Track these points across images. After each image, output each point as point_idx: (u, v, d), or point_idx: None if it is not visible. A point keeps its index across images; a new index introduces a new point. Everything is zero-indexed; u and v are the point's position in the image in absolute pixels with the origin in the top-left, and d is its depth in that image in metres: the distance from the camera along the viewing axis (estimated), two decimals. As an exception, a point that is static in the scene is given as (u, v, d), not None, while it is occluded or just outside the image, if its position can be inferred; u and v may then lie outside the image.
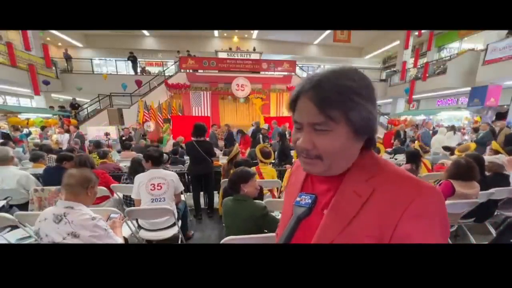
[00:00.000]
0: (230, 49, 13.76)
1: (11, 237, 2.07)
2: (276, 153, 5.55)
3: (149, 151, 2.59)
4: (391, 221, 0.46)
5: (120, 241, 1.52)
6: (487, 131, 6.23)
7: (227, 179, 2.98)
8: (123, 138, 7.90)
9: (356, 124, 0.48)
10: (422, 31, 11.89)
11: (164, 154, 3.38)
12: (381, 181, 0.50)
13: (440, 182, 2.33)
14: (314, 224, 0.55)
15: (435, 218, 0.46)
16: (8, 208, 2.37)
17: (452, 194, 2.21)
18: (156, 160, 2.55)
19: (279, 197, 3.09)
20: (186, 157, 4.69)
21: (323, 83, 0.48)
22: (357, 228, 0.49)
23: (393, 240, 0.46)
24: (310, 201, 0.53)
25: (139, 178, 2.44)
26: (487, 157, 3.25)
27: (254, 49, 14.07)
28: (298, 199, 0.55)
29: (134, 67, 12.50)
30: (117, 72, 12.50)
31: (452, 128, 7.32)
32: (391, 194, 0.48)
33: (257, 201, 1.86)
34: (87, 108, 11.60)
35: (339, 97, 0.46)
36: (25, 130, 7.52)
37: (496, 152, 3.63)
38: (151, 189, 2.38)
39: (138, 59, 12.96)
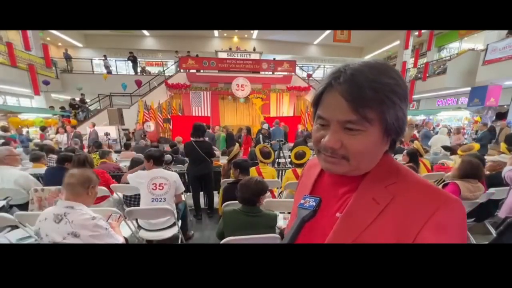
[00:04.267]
0: (230, 49, 13.75)
1: (11, 237, 2.07)
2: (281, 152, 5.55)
3: (150, 151, 2.58)
4: (411, 231, 0.44)
5: (122, 240, 1.52)
6: (485, 131, 6.40)
7: (227, 179, 2.99)
8: (143, 135, 7.87)
9: (391, 125, 0.45)
10: (422, 31, 11.88)
11: (168, 155, 3.40)
12: (402, 188, 0.47)
13: (446, 183, 2.33)
14: (324, 226, 0.53)
15: (456, 231, 0.44)
16: (8, 208, 2.37)
17: (458, 197, 2.21)
18: (157, 160, 2.55)
19: (279, 197, 3.09)
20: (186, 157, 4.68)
21: (357, 78, 0.43)
22: (372, 236, 0.47)
23: None
24: (314, 203, 0.52)
25: (140, 175, 2.45)
26: (490, 157, 3.26)
27: (254, 49, 14.06)
28: (302, 201, 0.54)
29: (134, 67, 12.51)
30: (117, 72, 12.50)
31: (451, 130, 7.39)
32: (411, 203, 0.45)
33: (268, 212, 1.80)
34: (81, 111, 11.57)
35: (376, 96, 0.42)
36: (24, 131, 7.54)
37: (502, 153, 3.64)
38: (152, 189, 2.38)
39: (138, 59, 12.97)
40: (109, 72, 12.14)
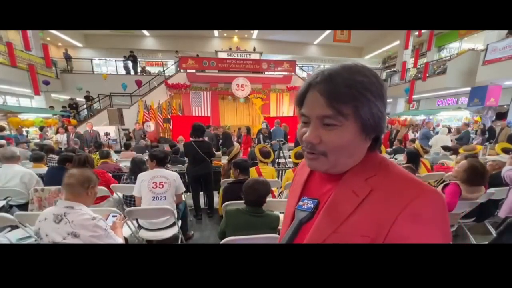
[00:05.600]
0: (230, 49, 13.75)
1: (11, 237, 2.07)
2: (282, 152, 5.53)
3: (155, 151, 2.64)
4: (386, 222, 0.44)
5: (121, 241, 1.52)
6: (466, 131, 6.89)
7: (227, 179, 2.99)
8: (143, 136, 7.86)
9: (366, 121, 0.47)
10: (422, 31, 11.88)
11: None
12: (381, 180, 0.49)
13: (447, 183, 2.32)
14: (312, 224, 0.54)
15: (434, 222, 0.44)
16: (8, 208, 2.38)
17: (458, 198, 2.19)
18: (161, 161, 2.61)
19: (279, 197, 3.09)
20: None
21: (334, 77, 0.47)
22: (350, 227, 0.48)
23: (387, 241, 0.45)
24: (312, 205, 0.52)
25: (142, 175, 2.47)
26: (490, 157, 3.26)
27: (254, 49, 14.06)
28: (300, 203, 0.54)
29: (134, 67, 12.45)
30: (117, 72, 12.50)
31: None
32: (388, 194, 0.46)
33: (270, 212, 1.82)
34: (87, 108, 11.61)
35: (350, 92, 0.45)
36: (24, 131, 7.53)
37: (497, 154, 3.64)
38: (153, 187, 2.41)
39: (138, 59, 12.94)
40: (128, 73, 12.16)
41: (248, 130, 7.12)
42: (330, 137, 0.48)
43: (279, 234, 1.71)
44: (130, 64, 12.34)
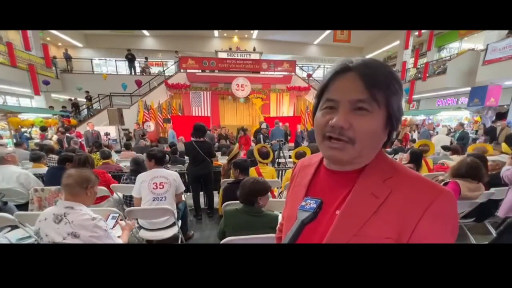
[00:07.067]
0: (230, 49, 13.74)
1: (11, 237, 2.07)
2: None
3: (153, 151, 2.62)
4: (410, 222, 0.46)
5: (120, 242, 1.52)
6: (463, 131, 6.92)
7: (227, 179, 2.99)
8: (143, 136, 7.84)
9: (393, 112, 0.49)
10: (422, 31, 11.88)
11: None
12: (399, 182, 0.49)
13: (446, 182, 2.31)
14: (325, 227, 0.53)
15: (450, 220, 0.47)
16: (3, 206, 2.35)
17: (458, 197, 2.19)
18: (159, 160, 2.59)
19: (279, 197, 3.09)
20: (186, 157, 4.67)
21: (369, 63, 0.48)
22: (373, 229, 0.48)
23: (411, 241, 0.46)
24: (315, 205, 0.50)
25: (141, 176, 2.46)
26: (490, 157, 3.25)
27: (254, 49, 14.05)
28: (303, 203, 0.52)
29: (131, 66, 12.27)
30: (117, 72, 12.48)
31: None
32: (408, 195, 0.47)
33: (270, 212, 1.82)
34: (87, 108, 11.61)
35: (385, 79, 0.47)
36: (25, 130, 7.53)
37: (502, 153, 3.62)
38: (153, 188, 2.40)
39: (138, 59, 12.91)
40: (149, 73, 12.23)
41: (244, 130, 7.05)
42: (360, 123, 0.48)
43: None
44: (137, 63, 12.38)
